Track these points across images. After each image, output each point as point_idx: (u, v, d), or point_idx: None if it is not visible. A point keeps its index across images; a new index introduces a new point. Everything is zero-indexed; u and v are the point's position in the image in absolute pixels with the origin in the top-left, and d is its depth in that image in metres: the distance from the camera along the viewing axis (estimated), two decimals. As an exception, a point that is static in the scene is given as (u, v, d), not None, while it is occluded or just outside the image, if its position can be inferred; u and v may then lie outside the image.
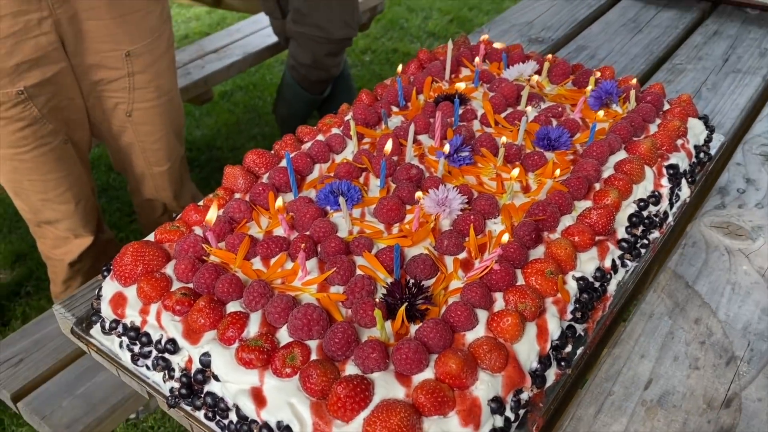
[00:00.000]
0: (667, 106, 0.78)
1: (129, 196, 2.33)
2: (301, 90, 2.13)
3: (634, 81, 0.79)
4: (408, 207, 0.63)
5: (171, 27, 1.36)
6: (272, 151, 0.73)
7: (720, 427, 0.53)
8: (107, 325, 0.57)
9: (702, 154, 0.75)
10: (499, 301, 0.53)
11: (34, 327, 1.13)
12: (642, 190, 0.66)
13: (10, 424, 1.65)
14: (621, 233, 0.62)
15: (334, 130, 0.74)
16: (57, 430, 0.98)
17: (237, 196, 0.65)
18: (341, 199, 0.58)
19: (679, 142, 0.72)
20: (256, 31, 2.42)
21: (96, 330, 0.60)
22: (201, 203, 0.65)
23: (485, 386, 0.47)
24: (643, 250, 0.64)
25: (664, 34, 1.16)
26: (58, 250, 1.46)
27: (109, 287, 0.57)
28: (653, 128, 0.74)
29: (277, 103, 2.35)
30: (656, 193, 0.66)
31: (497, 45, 0.89)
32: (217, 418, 0.51)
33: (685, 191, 0.71)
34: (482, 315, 0.52)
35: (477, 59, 0.83)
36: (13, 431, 1.64)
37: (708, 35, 1.14)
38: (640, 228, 0.63)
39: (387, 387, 0.47)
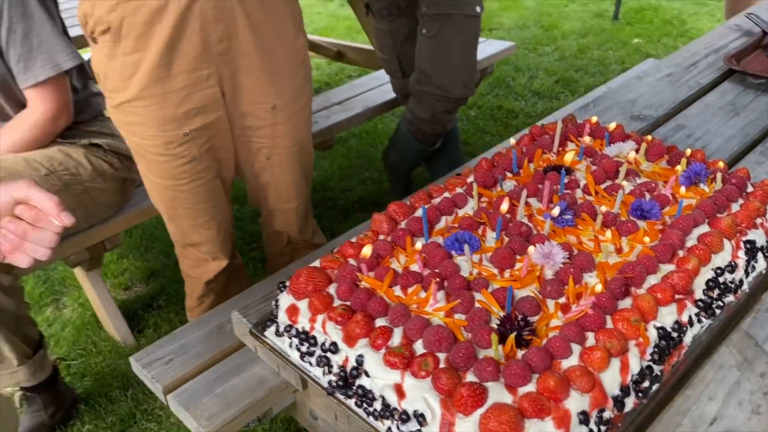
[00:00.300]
0: (750, 189, 0.89)
1: (249, 227, 2.59)
2: (415, 142, 2.32)
3: (722, 164, 0.91)
4: (518, 257, 0.78)
5: (311, 87, 1.58)
6: (408, 203, 0.90)
7: (774, 463, 0.64)
8: (281, 329, 0.75)
9: (780, 233, 0.85)
10: (590, 339, 0.67)
11: (181, 333, 1.33)
12: (720, 259, 0.78)
13: (159, 412, 1.89)
14: (698, 294, 0.74)
15: (458, 189, 0.90)
16: (198, 422, 1.17)
17: (381, 237, 0.83)
18: (466, 247, 0.74)
19: (759, 220, 0.83)
20: (376, 86, 2.65)
21: (269, 332, 0.78)
22: (354, 240, 0.83)
23: (575, 401, 0.61)
24: (717, 311, 0.75)
25: (760, 118, 1.25)
26: (197, 269, 1.68)
27: (285, 300, 0.76)
28: (735, 207, 0.85)
29: (389, 151, 2.55)
30: (733, 263, 0.78)
31: (594, 119, 1.03)
32: (365, 405, 0.67)
33: (761, 263, 0.82)
34: (576, 348, 0.66)
35: (585, 138, 0.98)
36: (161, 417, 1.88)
37: (803, 121, 1.23)
38: (716, 291, 0.75)
39: (498, 394, 0.61)
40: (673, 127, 1.25)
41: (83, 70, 1.80)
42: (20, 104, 1.68)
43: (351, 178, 3.00)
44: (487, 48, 2.86)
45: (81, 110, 1.78)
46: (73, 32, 1.78)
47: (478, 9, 1.98)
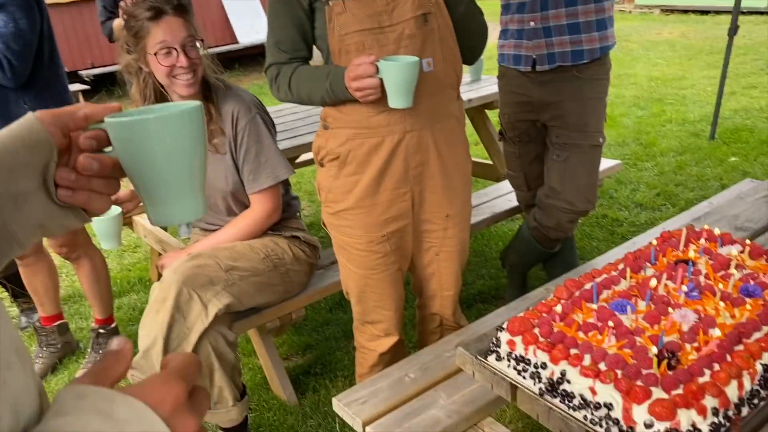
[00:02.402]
0: (830, 280, 1.24)
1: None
2: (537, 245, 2.70)
3: (808, 262, 1.28)
4: (663, 317, 1.16)
5: (471, 199, 2.02)
6: (578, 279, 1.31)
7: None
8: (503, 355, 1.16)
9: None
10: (716, 366, 1.04)
11: (370, 383, 1.74)
12: (807, 325, 1.13)
13: None
14: (791, 347, 1.10)
15: (614, 273, 1.31)
16: (393, 449, 1.53)
17: (563, 301, 1.23)
18: (628, 307, 1.14)
19: (836, 302, 1.18)
20: (500, 196, 3.10)
21: (491, 359, 1.18)
22: (544, 301, 1.24)
23: (709, 401, 0.97)
24: (806, 360, 1.10)
25: (843, 232, 1.59)
26: (373, 343, 2.04)
27: (504, 336, 1.17)
28: (818, 292, 1.21)
29: (509, 252, 2.93)
30: (817, 328, 1.13)
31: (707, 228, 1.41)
32: (566, 402, 1.05)
33: (839, 332, 1.16)
34: (707, 371, 1.02)
35: (701, 240, 1.37)
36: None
37: None
38: (805, 346, 1.10)
39: (658, 393, 0.99)
40: (770, 237, 1.61)
41: (285, 180, 2.34)
42: (242, 205, 2.22)
43: (470, 274, 3.39)
44: (597, 165, 3.27)
45: (284, 210, 2.31)
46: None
47: (600, 140, 2.41)
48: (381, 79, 1.55)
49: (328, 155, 1.76)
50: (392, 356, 2.07)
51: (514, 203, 2.99)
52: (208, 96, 2.07)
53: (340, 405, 1.71)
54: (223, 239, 2.15)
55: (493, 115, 4.05)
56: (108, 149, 0.67)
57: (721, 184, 4.14)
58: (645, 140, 5.06)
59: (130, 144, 0.64)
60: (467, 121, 4.49)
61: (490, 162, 3.73)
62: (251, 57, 9.11)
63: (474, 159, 3.98)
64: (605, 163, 3.32)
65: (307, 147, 2.97)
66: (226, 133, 2.06)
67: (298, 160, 3.52)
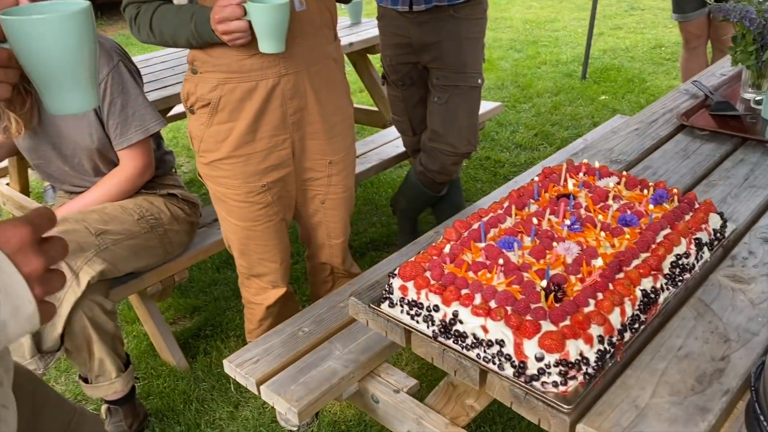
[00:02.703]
0: (697, 206, 1.31)
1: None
2: (424, 189, 2.71)
3: (677, 190, 1.33)
4: (548, 251, 1.17)
5: (355, 144, 1.97)
6: (466, 220, 1.30)
7: (717, 369, 1.03)
8: (395, 301, 1.13)
9: (718, 234, 1.27)
10: (600, 296, 1.06)
11: (263, 341, 1.69)
12: (679, 249, 1.18)
13: (219, 422, 2.20)
14: (666, 271, 1.15)
15: (499, 211, 1.31)
16: (290, 403, 1.50)
17: (452, 243, 1.22)
18: (515, 244, 1.14)
19: (703, 226, 1.24)
20: (386, 143, 3.08)
21: (384, 306, 1.15)
22: (434, 244, 1.22)
23: (595, 330, 1.00)
24: (679, 283, 1.16)
25: (705, 159, 1.68)
26: (259, 296, 1.99)
27: (396, 282, 1.14)
28: (687, 217, 1.27)
29: (398, 198, 2.94)
30: (687, 252, 1.18)
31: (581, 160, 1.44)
32: (459, 342, 1.04)
33: (706, 254, 1.23)
34: (591, 301, 1.05)
35: (580, 175, 1.40)
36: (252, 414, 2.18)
37: (735, 162, 1.66)
38: (677, 270, 1.15)
39: (547, 326, 1.00)
40: (642, 168, 1.67)
41: (157, 134, 2.18)
42: (112, 163, 2.05)
43: (361, 223, 3.38)
44: (479, 108, 3.31)
45: (158, 166, 2.15)
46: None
47: (479, 81, 2.42)
48: (250, 22, 1.44)
49: (198, 102, 1.64)
50: (281, 309, 2.03)
51: (401, 149, 2.98)
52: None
53: (231, 366, 1.65)
54: (91, 201, 1.97)
55: (375, 60, 4.00)
56: (4, 44, 0.72)
57: (593, 122, 4.35)
58: (522, 82, 5.20)
59: (22, 41, 0.69)
60: (350, 67, 4.39)
61: (375, 108, 3.69)
62: (115, 4, 8.42)
63: (359, 106, 3.93)
64: (486, 106, 3.37)
65: (179, 98, 2.78)
66: (84, 84, 1.86)
67: (171, 113, 3.30)
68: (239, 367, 1.63)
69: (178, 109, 3.29)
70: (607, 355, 1.01)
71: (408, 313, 1.12)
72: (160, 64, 3.20)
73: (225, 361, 1.64)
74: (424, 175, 2.66)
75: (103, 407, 2.09)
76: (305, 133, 1.72)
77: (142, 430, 2.15)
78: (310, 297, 2.30)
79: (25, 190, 3.09)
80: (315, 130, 1.73)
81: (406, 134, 2.79)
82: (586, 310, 1.03)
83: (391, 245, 3.16)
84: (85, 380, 1.98)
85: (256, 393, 1.60)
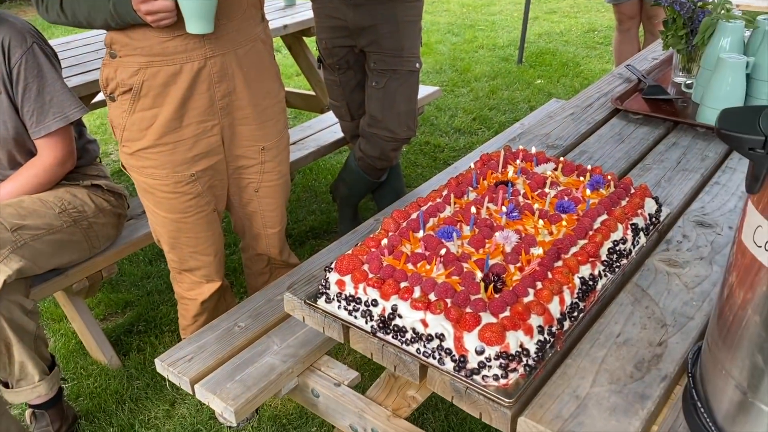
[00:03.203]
0: (633, 190, 1.31)
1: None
2: (364, 176, 2.67)
3: (612, 176, 1.33)
4: (487, 241, 1.15)
5: (288, 129, 1.89)
6: (404, 209, 1.26)
7: (654, 354, 1.03)
8: (332, 297, 1.08)
9: (654, 219, 1.27)
10: (539, 285, 1.05)
11: (196, 337, 1.62)
12: (616, 235, 1.18)
13: (155, 421, 2.12)
14: (604, 257, 1.14)
15: (438, 200, 1.28)
16: (226, 402, 1.44)
17: (390, 234, 1.18)
18: (454, 234, 1.11)
19: (639, 211, 1.25)
20: (324, 128, 3.02)
21: (321, 302, 1.11)
22: (372, 236, 1.18)
23: (534, 320, 0.98)
24: (616, 269, 1.15)
25: (639, 144, 1.70)
26: (193, 292, 1.91)
27: (333, 276, 1.09)
28: (624, 203, 1.27)
29: (338, 184, 2.88)
30: (624, 238, 1.18)
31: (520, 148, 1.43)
32: (399, 337, 1.01)
33: (642, 239, 1.23)
34: (531, 291, 1.03)
35: (518, 161, 1.38)
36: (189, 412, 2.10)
37: (669, 145, 1.69)
38: (615, 256, 1.15)
39: (487, 318, 0.97)
40: (578, 152, 1.68)
41: (79, 122, 2.06)
42: (30, 153, 1.91)
43: (300, 210, 3.31)
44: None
45: (80, 156, 2.03)
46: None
47: (417, 65, 2.39)
48: (176, 1, 1.36)
49: (119, 88, 1.54)
50: (216, 303, 1.95)
51: (340, 135, 2.92)
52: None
53: (163, 365, 1.57)
54: (6, 194, 1.84)
55: (311, 43, 3.91)
56: None
57: (530, 106, 4.40)
58: (460, 66, 5.20)
59: None
60: (286, 51, 4.28)
61: (312, 93, 3.61)
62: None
63: (295, 90, 3.85)
64: (425, 90, 3.35)
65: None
66: (-3, 68, 1.73)
67: (97, 98, 3.14)
68: (172, 366, 1.56)
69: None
70: (548, 345, 1.00)
71: (345, 309, 1.08)
72: (84, 47, 3.04)
73: (157, 360, 1.57)
74: (364, 161, 2.62)
75: (28, 412, 1.97)
76: (235, 118, 1.65)
77: (71, 434, 2.05)
78: (247, 291, 2.23)
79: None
80: (245, 114, 1.66)
81: (344, 119, 2.74)
82: (526, 300, 1.01)
83: (331, 233, 3.11)
84: (6, 385, 1.86)
85: (191, 392, 1.53)
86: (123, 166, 1.70)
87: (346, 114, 2.69)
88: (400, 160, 2.93)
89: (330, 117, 3.04)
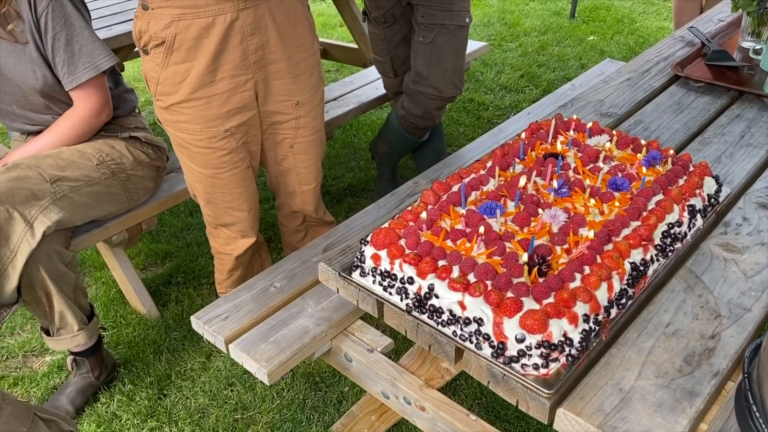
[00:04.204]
0: (692, 168, 1.23)
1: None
2: (405, 134, 2.60)
3: (672, 151, 1.25)
4: (532, 218, 1.09)
5: (323, 84, 1.82)
6: (445, 181, 1.20)
7: (706, 348, 0.97)
8: (367, 271, 1.05)
9: (712, 200, 1.19)
10: (587, 270, 0.99)
11: (233, 296, 1.61)
12: (671, 218, 1.10)
13: (191, 373, 2.14)
14: (657, 241, 1.07)
15: (482, 172, 1.21)
16: (259, 363, 1.44)
17: (430, 207, 1.13)
18: (497, 211, 1.05)
19: (698, 191, 1.16)
20: (366, 84, 2.93)
21: (355, 275, 1.07)
22: (410, 208, 1.13)
23: (580, 308, 0.93)
24: (670, 253, 1.08)
25: (699, 114, 1.59)
26: (228, 246, 1.92)
27: (369, 250, 1.05)
28: (681, 181, 1.18)
29: (378, 142, 2.82)
30: (679, 221, 1.11)
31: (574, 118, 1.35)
32: (434, 318, 0.97)
33: (699, 221, 1.16)
34: (577, 276, 0.97)
35: (571, 132, 1.30)
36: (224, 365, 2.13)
37: (732, 117, 1.57)
38: (669, 240, 1.08)
39: (530, 304, 0.92)
40: (633, 122, 1.58)
41: (113, 70, 2.03)
42: (65, 104, 1.90)
43: (339, 166, 3.27)
44: (464, 48, 3.16)
45: (117, 106, 2.01)
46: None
47: (467, 20, 2.28)
48: None
49: (152, 41, 1.50)
50: (251, 259, 1.95)
51: (382, 91, 2.84)
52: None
53: (199, 323, 1.57)
54: (45, 145, 1.84)
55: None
56: None
57: (581, 64, 4.22)
58: (509, 20, 5.01)
59: None
60: (330, 1, 4.16)
61: (355, 46, 3.50)
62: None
63: (338, 42, 3.75)
64: (472, 45, 3.22)
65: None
66: (24, 17, 1.69)
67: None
68: (207, 324, 1.56)
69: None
70: (592, 334, 0.95)
71: (380, 284, 1.04)
72: (125, -6, 2.99)
73: (192, 318, 1.57)
74: (406, 120, 2.54)
75: (69, 358, 2.02)
76: (268, 72, 1.62)
77: (110, 381, 2.09)
78: (282, 247, 2.22)
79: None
80: (278, 68, 1.62)
81: (387, 76, 2.65)
82: (572, 285, 0.96)
83: (369, 191, 3.07)
84: (47, 332, 1.90)
85: (225, 351, 1.53)
86: (158, 120, 1.69)
87: (390, 70, 2.61)
88: (442, 119, 2.85)
89: (372, 72, 2.96)
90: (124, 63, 3.37)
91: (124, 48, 2.63)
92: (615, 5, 5.24)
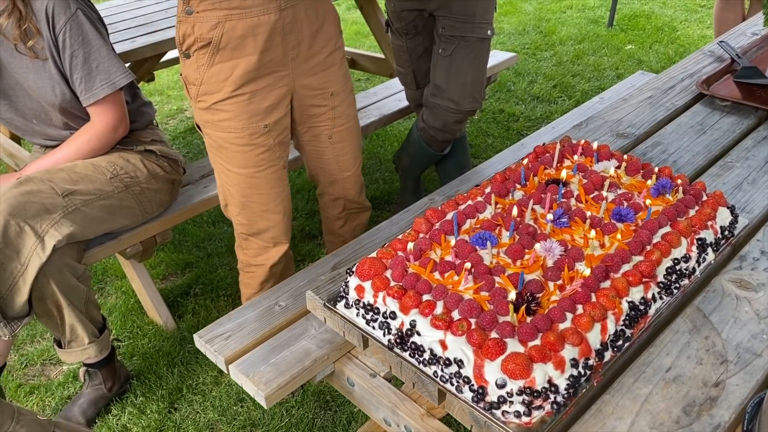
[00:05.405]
0: (705, 198, 1.15)
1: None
2: (426, 147, 2.56)
3: (682, 180, 1.17)
4: (527, 250, 1.03)
5: (349, 73, 1.87)
6: (440, 209, 1.16)
7: (708, 397, 0.90)
8: (351, 302, 1.01)
9: (726, 232, 1.11)
10: (579, 309, 0.93)
11: (236, 314, 1.58)
12: (678, 252, 1.03)
13: (202, 387, 2.14)
14: (660, 278, 1.00)
15: (479, 198, 1.16)
16: (257, 386, 1.41)
17: (421, 235, 1.08)
18: (488, 243, 1.00)
19: (709, 223, 1.09)
20: (390, 95, 2.90)
21: (339, 306, 1.03)
22: (400, 237, 1.09)
23: (568, 351, 0.87)
24: (675, 291, 1.01)
25: (723, 136, 1.50)
26: (260, 257, 1.91)
27: (353, 281, 1.01)
28: (692, 212, 1.11)
29: (401, 155, 2.78)
30: (687, 255, 1.04)
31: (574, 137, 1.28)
32: (416, 356, 0.93)
33: (710, 256, 1.08)
34: (569, 315, 0.92)
35: (577, 156, 1.24)
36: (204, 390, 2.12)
37: (758, 139, 1.48)
38: (674, 276, 1.01)
39: (514, 346, 0.87)
40: (651, 143, 1.50)
41: (132, 84, 2.04)
42: (82, 120, 1.92)
43: (364, 177, 3.22)
44: (491, 59, 3.10)
45: (134, 120, 2.03)
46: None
47: (489, 32, 2.22)
48: None
49: (197, 43, 1.57)
50: (283, 268, 1.95)
51: (405, 103, 2.81)
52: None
53: (201, 342, 1.55)
54: (61, 159, 1.86)
55: (383, 4, 3.76)
56: None
57: (617, 74, 4.10)
58: (545, 28, 4.91)
59: None
60: (358, 12, 4.15)
61: (382, 56, 3.48)
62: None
63: (366, 53, 3.73)
64: (500, 56, 3.16)
65: (171, 42, 2.62)
66: (43, 34, 1.72)
67: (167, 57, 3.16)
68: (209, 344, 1.54)
69: (172, 54, 3.15)
70: (582, 379, 0.89)
71: (364, 317, 1.00)
72: (154, 5, 3.03)
73: (195, 336, 1.55)
74: (426, 132, 2.50)
75: (81, 369, 2.03)
76: (304, 68, 1.70)
77: (123, 392, 2.10)
78: (322, 232, 2.20)
79: (15, 137, 2.99)
80: (313, 63, 1.70)
81: (410, 87, 2.62)
82: (562, 326, 0.90)
83: (392, 203, 3.03)
84: (59, 344, 1.91)
85: (226, 372, 1.52)
86: (197, 126, 1.74)
87: (412, 82, 2.57)
88: (466, 131, 2.79)
89: (396, 83, 2.93)
90: (155, 72, 3.42)
91: (149, 59, 2.66)
92: (656, 13, 5.09)
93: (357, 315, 1.01)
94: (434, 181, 3.07)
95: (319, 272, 1.70)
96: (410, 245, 1.03)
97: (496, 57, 3.13)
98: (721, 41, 1.94)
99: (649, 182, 1.16)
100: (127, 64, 2.13)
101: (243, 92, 1.62)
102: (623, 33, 4.74)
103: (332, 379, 1.59)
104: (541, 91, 3.93)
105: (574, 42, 4.65)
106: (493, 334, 0.88)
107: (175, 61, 3.51)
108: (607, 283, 0.97)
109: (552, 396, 0.85)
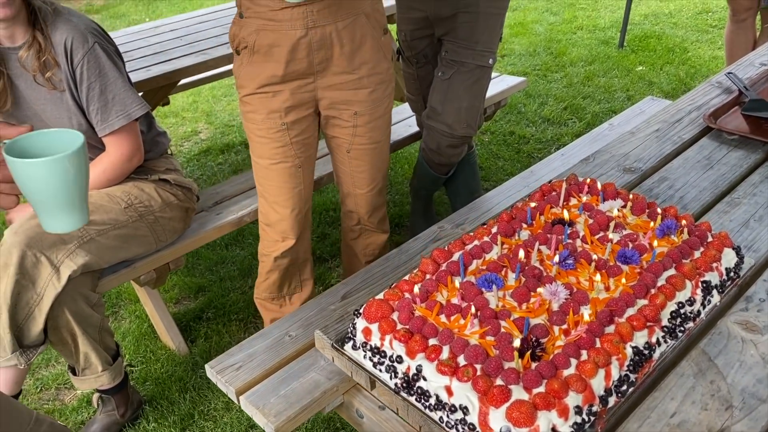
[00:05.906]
0: (710, 238, 1.16)
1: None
2: (428, 168, 2.59)
3: (687, 220, 1.18)
4: (532, 293, 1.05)
5: (392, 99, 1.94)
6: (447, 248, 1.17)
7: (713, 444, 0.91)
8: (358, 345, 1.03)
9: (732, 274, 1.12)
10: (584, 355, 0.94)
11: (247, 344, 1.60)
12: (682, 295, 1.04)
13: (214, 413, 2.16)
14: (665, 322, 1.01)
15: (485, 238, 1.18)
16: (267, 418, 1.43)
17: (428, 276, 1.10)
18: (494, 286, 1.02)
19: (714, 264, 1.10)
20: (401, 120, 2.93)
21: (347, 347, 1.05)
22: (407, 277, 1.10)
23: (572, 399, 0.88)
24: (680, 335, 1.02)
25: (730, 171, 1.51)
26: (269, 248, 2.02)
27: (360, 323, 1.03)
28: (697, 254, 1.12)
29: (413, 176, 2.82)
30: (692, 298, 1.05)
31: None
32: (422, 401, 0.94)
33: (715, 298, 1.09)
34: (573, 361, 0.93)
35: (583, 196, 1.25)
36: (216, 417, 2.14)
37: (765, 175, 1.48)
38: (678, 320, 1.02)
39: (518, 393, 0.88)
40: (658, 179, 1.51)
41: (147, 114, 2.09)
42: (99, 150, 1.96)
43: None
44: (501, 83, 3.13)
45: (149, 149, 2.06)
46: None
47: (490, 61, 2.25)
48: None
49: (242, 43, 1.75)
50: (289, 264, 2.04)
51: (414, 129, 2.84)
52: (32, 20, 1.75)
53: (213, 372, 1.57)
54: (77, 190, 1.90)
55: (395, 30, 3.80)
56: None
57: (627, 95, 4.11)
58: (555, 49, 4.94)
59: (17, 175, 0.76)
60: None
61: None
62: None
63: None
64: (510, 81, 3.18)
65: (185, 70, 2.68)
66: (61, 66, 1.76)
67: (187, 79, 3.21)
68: (220, 374, 1.55)
69: (199, 76, 3.24)
70: (586, 425, 0.90)
71: (371, 359, 1.02)
72: (168, 33, 3.09)
73: (207, 366, 1.57)
74: (425, 153, 2.54)
75: (95, 395, 2.06)
76: (330, 82, 1.79)
77: (136, 418, 2.12)
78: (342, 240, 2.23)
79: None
80: (340, 81, 1.79)
81: (419, 113, 2.65)
82: (566, 372, 0.91)
83: (403, 227, 3.05)
84: (73, 371, 1.94)
85: (237, 403, 1.53)
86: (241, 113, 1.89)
87: (422, 109, 2.60)
88: (475, 154, 2.81)
89: (407, 109, 2.96)
90: (170, 97, 3.48)
91: (163, 87, 2.70)
92: (666, 34, 5.10)
93: (364, 357, 1.03)
94: (445, 204, 3.08)
95: (329, 301, 1.71)
96: (416, 288, 1.05)
97: (506, 81, 3.16)
98: (729, 72, 1.95)
99: (652, 224, 1.17)
100: (140, 93, 2.17)
101: (266, 90, 1.76)
102: (634, 54, 4.75)
103: (341, 410, 1.60)
104: (551, 113, 3.95)
105: (584, 63, 4.66)
106: (498, 381, 0.90)
107: (190, 85, 3.56)
108: (611, 328, 0.98)
109: (556, 444, 0.86)
